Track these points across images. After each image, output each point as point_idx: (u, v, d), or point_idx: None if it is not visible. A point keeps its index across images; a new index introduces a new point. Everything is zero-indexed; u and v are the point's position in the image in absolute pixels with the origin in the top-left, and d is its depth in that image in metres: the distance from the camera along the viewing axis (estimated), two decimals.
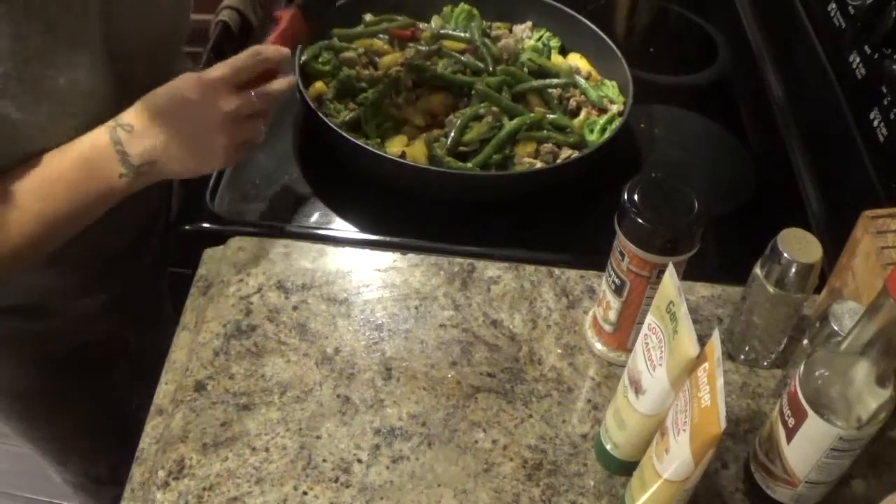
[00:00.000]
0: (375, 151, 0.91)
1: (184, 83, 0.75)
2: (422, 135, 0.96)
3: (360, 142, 0.91)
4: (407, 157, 0.93)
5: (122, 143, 0.73)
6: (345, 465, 0.71)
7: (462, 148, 0.95)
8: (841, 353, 0.62)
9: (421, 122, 0.97)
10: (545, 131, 0.98)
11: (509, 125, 0.96)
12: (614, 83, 1.06)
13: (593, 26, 1.10)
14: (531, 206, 0.95)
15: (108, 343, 1.05)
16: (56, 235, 0.76)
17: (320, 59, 1.01)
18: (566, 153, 0.97)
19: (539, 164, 0.95)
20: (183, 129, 0.75)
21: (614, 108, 1.03)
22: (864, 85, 0.92)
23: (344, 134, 0.91)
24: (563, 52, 1.12)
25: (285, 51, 0.82)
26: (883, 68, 0.88)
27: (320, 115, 0.92)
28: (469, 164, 0.93)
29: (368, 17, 1.09)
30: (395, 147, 0.94)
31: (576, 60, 1.10)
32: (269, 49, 0.81)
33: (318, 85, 0.99)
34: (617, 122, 1.00)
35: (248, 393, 0.75)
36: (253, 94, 0.78)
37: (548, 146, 0.97)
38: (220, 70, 0.76)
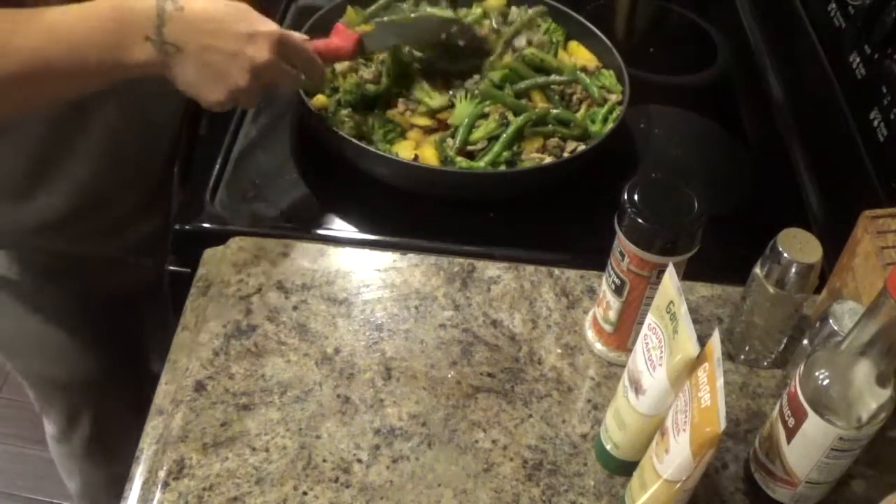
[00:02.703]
0: (392, 157, 0.91)
1: (245, 10, 0.77)
2: (428, 137, 0.97)
3: (372, 148, 0.91)
4: (419, 161, 0.93)
5: (165, 12, 0.72)
6: (345, 465, 0.71)
7: (470, 147, 0.95)
8: (841, 353, 0.62)
9: (426, 123, 0.98)
10: (550, 126, 0.98)
11: (516, 122, 0.96)
12: (611, 72, 1.07)
13: (574, 13, 1.11)
14: (532, 206, 0.95)
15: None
16: (45, 85, 0.74)
17: None
18: (571, 146, 0.98)
19: (548, 159, 0.95)
20: (217, 46, 0.75)
21: (613, 98, 1.03)
22: (864, 85, 0.92)
23: (361, 144, 0.91)
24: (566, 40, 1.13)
25: (321, 65, 0.87)
26: (883, 68, 0.88)
27: (333, 127, 0.92)
28: (481, 164, 0.94)
29: (349, 9, 1.08)
30: (404, 152, 0.94)
31: (576, 50, 1.11)
32: (314, 51, 0.85)
33: (321, 98, 0.99)
34: (618, 112, 1.00)
35: (248, 393, 0.76)
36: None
37: (554, 140, 0.97)
38: (275, 28, 0.78)
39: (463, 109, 0.97)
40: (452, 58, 1.04)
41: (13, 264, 0.99)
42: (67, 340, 1.09)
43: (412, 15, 1.06)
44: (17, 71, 0.70)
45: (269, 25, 0.78)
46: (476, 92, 0.98)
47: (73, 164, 0.91)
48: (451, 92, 0.99)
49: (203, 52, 0.75)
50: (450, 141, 0.96)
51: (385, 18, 1.03)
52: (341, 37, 0.93)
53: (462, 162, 0.94)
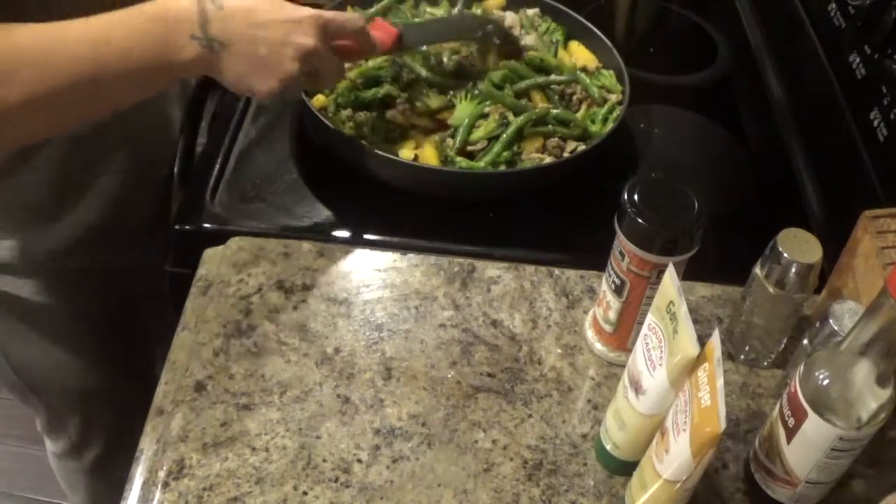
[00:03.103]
0: (392, 157, 0.91)
1: (279, 0, 0.77)
2: (428, 137, 0.97)
3: (372, 148, 0.91)
4: (419, 161, 0.93)
5: (206, 11, 0.72)
6: (345, 465, 0.71)
7: (470, 147, 0.95)
8: (841, 353, 0.62)
9: (426, 123, 0.97)
10: (550, 126, 0.98)
11: (516, 122, 0.96)
12: (611, 72, 1.07)
13: (575, 15, 1.11)
14: (532, 206, 0.95)
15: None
16: (93, 99, 0.73)
17: None
18: (571, 146, 0.98)
19: (548, 159, 0.96)
20: (264, 37, 0.75)
21: (613, 98, 1.03)
22: (864, 85, 0.92)
23: (362, 144, 0.91)
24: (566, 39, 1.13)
25: (371, 41, 0.87)
26: (883, 68, 0.88)
27: (333, 127, 0.92)
28: (481, 164, 0.94)
29: (349, 10, 1.08)
30: (404, 152, 0.94)
31: (576, 50, 1.10)
32: (370, 32, 0.86)
33: (321, 98, 0.99)
34: (617, 112, 1.00)
35: (248, 393, 0.76)
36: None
37: (554, 140, 0.98)
38: (316, 12, 0.78)
39: (463, 109, 0.97)
40: (442, 73, 1.03)
41: (39, 288, 0.98)
42: (84, 352, 1.08)
43: (454, 12, 1.08)
44: (67, 82, 0.69)
45: (308, 10, 0.78)
46: (476, 92, 0.98)
47: (102, 179, 0.92)
48: (450, 92, 0.99)
49: (250, 45, 0.75)
50: (450, 141, 0.96)
51: (421, 19, 1.05)
52: (380, 30, 0.91)
53: (462, 162, 0.94)
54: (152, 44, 0.72)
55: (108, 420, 1.19)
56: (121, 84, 0.73)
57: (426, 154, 0.94)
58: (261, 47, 0.75)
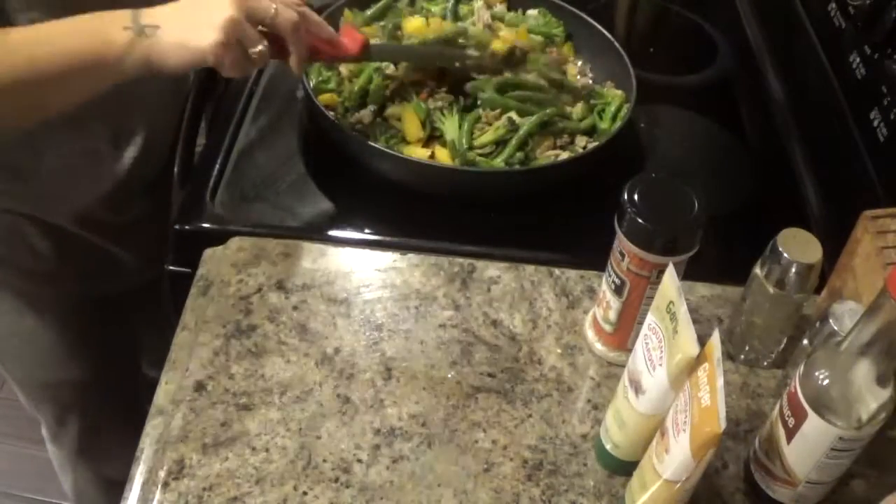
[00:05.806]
0: (409, 158, 0.91)
1: None
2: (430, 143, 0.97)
3: (387, 148, 0.91)
4: (436, 160, 0.93)
5: (139, 11, 0.76)
6: (345, 465, 0.71)
7: (478, 152, 0.95)
8: (841, 353, 0.62)
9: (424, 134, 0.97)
10: (559, 124, 0.98)
11: (528, 123, 0.96)
12: (612, 83, 1.07)
13: (580, 13, 1.11)
14: (532, 206, 0.95)
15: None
16: (40, 94, 0.77)
17: (321, 79, 1.01)
18: (581, 141, 0.99)
19: (564, 154, 0.96)
20: (188, 3, 0.78)
21: (618, 94, 1.03)
22: (864, 85, 0.92)
23: (377, 146, 0.91)
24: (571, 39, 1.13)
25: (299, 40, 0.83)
26: (883, 68, 0.88)
27: (342, 125, 0.92)
28: (499, 161, 0.94)
29: (346, 12, 1.08)
30: (415, 154, 0.94)
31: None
32: (312, 20, 0.84)
33: (326, 96, 0.99)
34: (625, 109, 1.00)
35: (248, 393, 0.76)
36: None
37: (564, 137, 0.98)
38: None
39: (451, 126, 0.96)
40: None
41: (47, 249, 1.00)
42: (60, 342, 1.09)
43: (447, 7, 1.08)
44: (6, 80, 0.73)
45: None
46: (450, 104, 0.97)
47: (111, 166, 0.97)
48: (427, 113, 0.97)
49: (179, 14, 0.77)
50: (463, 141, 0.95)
51: (395, 44, 1.03)
52: (348, 37, 0.90)
53: (483, 162, 0.93)
54: (88, 40, 0.75)
55: (82, 409, 1.21)
56: (58, 82, 0.76)
57: (439, 156, 0.94)
58: (188, 12, 0.77)
